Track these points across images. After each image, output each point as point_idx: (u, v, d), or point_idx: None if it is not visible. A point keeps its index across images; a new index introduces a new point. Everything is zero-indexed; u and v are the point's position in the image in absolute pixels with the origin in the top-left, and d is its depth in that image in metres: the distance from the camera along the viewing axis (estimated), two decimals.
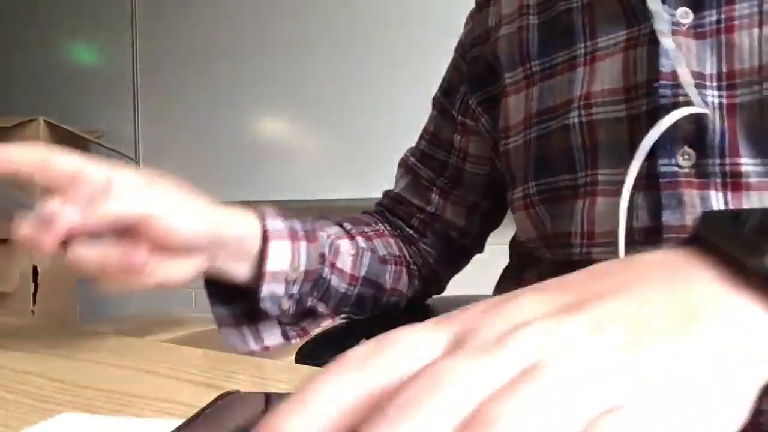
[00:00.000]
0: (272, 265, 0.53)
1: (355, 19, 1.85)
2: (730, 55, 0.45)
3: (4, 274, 1.96)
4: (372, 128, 1.82)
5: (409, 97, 1.75)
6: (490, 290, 0.64)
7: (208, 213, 0.49)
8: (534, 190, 0.54)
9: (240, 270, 0.53)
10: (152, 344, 0.51)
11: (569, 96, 0.52)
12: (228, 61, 2.07)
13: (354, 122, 1.85)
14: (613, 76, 0.49)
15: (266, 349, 0.57)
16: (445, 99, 0.69)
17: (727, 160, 0.44)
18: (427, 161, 0.70)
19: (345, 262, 0.61)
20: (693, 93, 0.44)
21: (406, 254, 0.69)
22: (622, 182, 0.46)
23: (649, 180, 0.46)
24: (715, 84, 0.45)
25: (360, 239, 0.65)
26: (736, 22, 0.44)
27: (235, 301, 0.56)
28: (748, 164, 0.43)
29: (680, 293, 0.21)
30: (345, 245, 0.62)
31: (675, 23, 0.47)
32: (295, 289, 0.55)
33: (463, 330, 0.19)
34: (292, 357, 0.74)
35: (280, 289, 0.54)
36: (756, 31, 0.44)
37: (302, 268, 0.55)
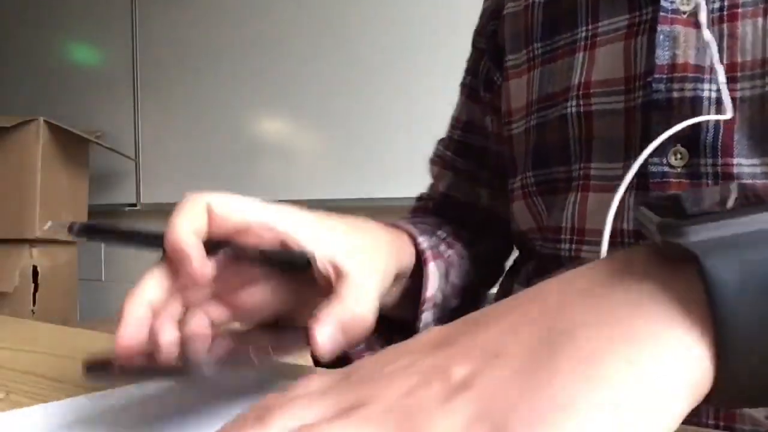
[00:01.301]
0: (431, 289, 0.47)
1: (355, 18, 1.85)
2: (731, 46, 0.42)
3: (4, 274, 1.96)
4: (371, 128, 1.82)
5: (409, 97, 1.75)
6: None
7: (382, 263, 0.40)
8: (531, 180, 0.53)
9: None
10: None
11: (568, 83, 0.50)
12: (228, 61, 2.07)
13: (353, 122, 1.85)
14: (613, 64, 0.47)
15: None
16: (472, 81, 0.65)
17: (720, 161, 0.42)
18: (465, 152, 0.64)
19: (457, 275, 0.54)
20: (724, 92, 0.41)
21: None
22: (614, 178, 0.44)
23: (639, 179, 0.44)
24: (714, 77, 0.42)
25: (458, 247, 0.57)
26: (740, 11, 0.42)
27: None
28: (742, 165, 0.41)
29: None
30: (456, 255, 0.55)
31: (675, 11, 0.44)
32: (439, 314, 0.50)
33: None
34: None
35: (432, 315, 0.49)
36: (761, 21, 0.41)
37: (446, 290, 0.51)
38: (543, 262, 0.52)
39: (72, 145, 2.09)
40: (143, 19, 2.26)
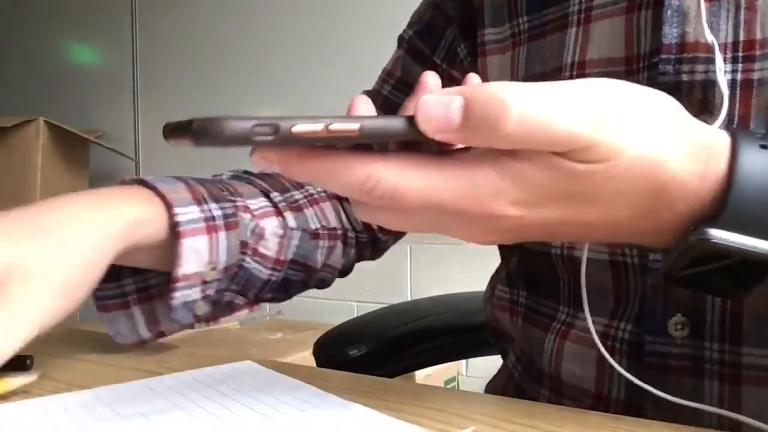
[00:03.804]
0: (186, 267, 0.44)
1: (356, 18, 1.84)
2: (750, 20, 0.37)
3: None
4: None
5: None
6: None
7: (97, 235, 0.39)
8: None
9: (141, 262, 0.45)
10: (152, 344, 0.51)
11: (559, 62, 0.45)
12: (228, 61, 2.07)
13: None
14: (612, 42, 0.43)
15: (161, 334, 0.49)
16: (421, 41, 0.60)
17: None
18: (390, 109, 0.61)
19: (269, 246, 0.51)
20: (721, 75, 0.37)
21: (344, 219, 0.58)
22: None
23: None
24: (729, 56, 0.38)
25: (289, 215, 0.54)
26: None
27: (125, 276, 0.48)
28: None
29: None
30: (271, 225, 0.52)
31: None
32: (212, 290, 0.47)
33: None
34: (308, 352, 0.73)
35: (194, 293, 0.45)
36: None
37: (221, 266, 0.46)
38: (527, 259, 0.51)
39: (72, 145, 2.08)
40: (143, 19, 2.26)
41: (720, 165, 0.28)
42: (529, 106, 0.25)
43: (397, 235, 0.63)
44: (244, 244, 0.49)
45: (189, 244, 0.44)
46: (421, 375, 1.40)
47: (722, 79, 0.37)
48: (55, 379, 0.42)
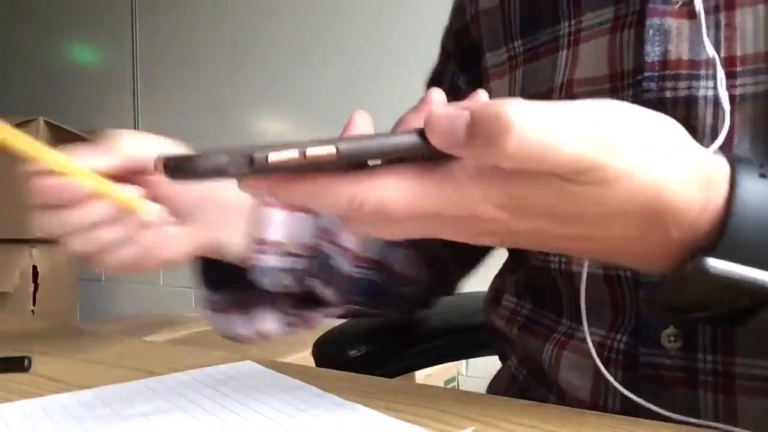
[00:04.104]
0: (268, 232, 0.48)
1: (356, 18, 1.84)
2: (730, 37, 0.38)
3: (4, 274, 1.96)
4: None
5: (410, 98, 1.74)
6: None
7: None
8: None
9: (235, 240, 0.48)
10: (152, 345, 0.51)
11: (551, 83, 0.46)
12: (228, 61, 2.07)
13: None
14: (597, 61, 0.43)
15: (260, 335, 0.52)
16: (433, 82, 0.62)
17: None
18: None
19: (350, 239, 0.53)
20: (723, 92, 0.37)
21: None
22: None
23: None
24: (711, 72, 0.38)
25: None
26: None
27: (226, 286, 0.52)
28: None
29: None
30: None
31: (665, 1, 0.40)
32: (296, 266, 0.50)
33: None
34: (308, 352, 0.73)
35: (278, 261, 0.49)
36: (762, 8, 0.37)
37: (298, 242, 0.50)
38: (533, 273, 0.51)
39: (72, 146, 2.08)
40: (143, 19, 2.26)
41: (719, 194, 0.28)
42: (536, 127, 0.25)
43: (469, 266, 0.65)
44: (324, 230, 0.51)
45: (271, 212, 0.48)
46: (421, 375, 1.40)
47: (723, 93, 0.38)
48: (55, 379, 0.42)
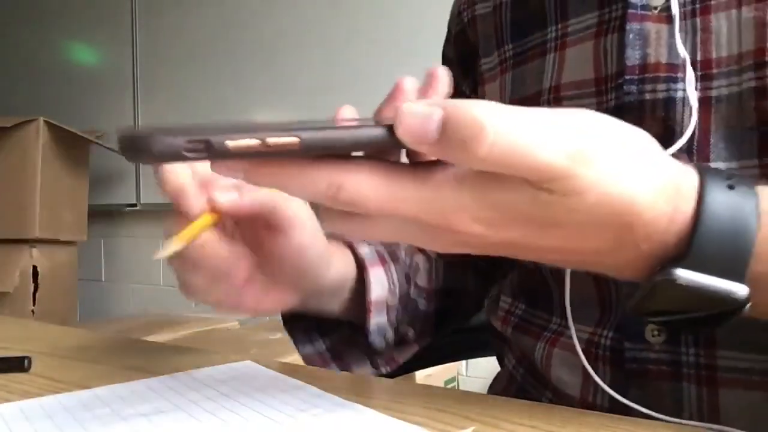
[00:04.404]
0: (375, 293, 0.49)
1: (356, 19, 1.84)
2: (706, 41, 0.39)
3: (4, 274, 1.96)
4: None
5: None
6: None
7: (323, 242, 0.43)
8: None
9: (330, 305, 0.48)
10: (152, 345, 0.51)
11: (540, 87, 0.47)
12: (228, 61, 2.07)
13: None
14: (582, 65, 0.45)
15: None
16: None
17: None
18: None
19: (423, 279, 0.56)
20: (691, 92, 0.39)
21: None
22: None
23: None
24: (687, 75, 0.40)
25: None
26: (713, 2, 0.39)
27: (317, 335, 0.53)
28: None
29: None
30: (421, 260, 0.56)
31: (644, 6, 0.41)
32: (394, 317, 0.51)
33: None
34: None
35: (384, 319, 0.50)
36: (734, 12, 0.39)
37: (397, 293, 0.51)
38: (525, 274, 0.52)
39: (72, 145, 2.09)
40: (143, 19, 2.26)
41: (688, 206, 0.29)
42: (509, 131, 0.25)
43: (491, 279, 0.64)
44: (407, 276, 0.54)
45: (374, 273, 0.49)
46: (421, 375, 1.40)
47: (692, 92, 0.39)
48: (55, 379, 0.42)
